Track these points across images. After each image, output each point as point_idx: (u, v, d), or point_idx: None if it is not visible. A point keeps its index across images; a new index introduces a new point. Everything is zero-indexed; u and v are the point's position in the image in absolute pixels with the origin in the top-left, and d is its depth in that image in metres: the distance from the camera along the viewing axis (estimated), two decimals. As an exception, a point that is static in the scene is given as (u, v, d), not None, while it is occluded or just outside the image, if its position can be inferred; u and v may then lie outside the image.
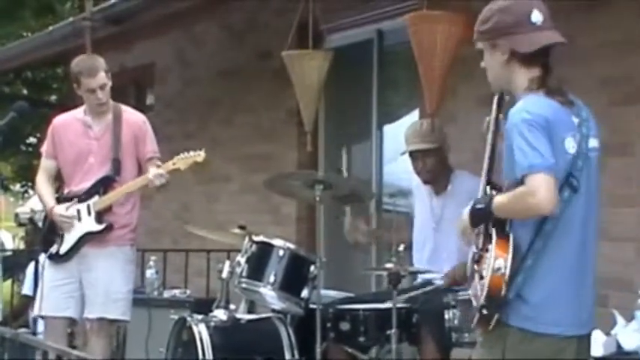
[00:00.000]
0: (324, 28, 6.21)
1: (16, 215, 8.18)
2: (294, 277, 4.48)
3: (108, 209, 4.81)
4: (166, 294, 6.31)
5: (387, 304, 4.32)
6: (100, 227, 4.80)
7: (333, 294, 4.90)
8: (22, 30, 13.58)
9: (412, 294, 4.50)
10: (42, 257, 5.06)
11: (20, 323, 6.72)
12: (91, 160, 4.86)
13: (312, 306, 4.44)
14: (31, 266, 6.72)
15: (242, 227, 4.75)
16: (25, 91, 14.56)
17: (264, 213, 7.25)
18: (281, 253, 4.51)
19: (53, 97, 14.17)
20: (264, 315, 4.72)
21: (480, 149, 5.57)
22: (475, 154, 5.44)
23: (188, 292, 6.40)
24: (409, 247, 4.80)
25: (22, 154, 14.36)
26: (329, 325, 4.44)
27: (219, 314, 4.52)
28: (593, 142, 2.92)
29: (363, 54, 6.68)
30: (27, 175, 13.74)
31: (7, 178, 16.41)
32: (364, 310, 4.46)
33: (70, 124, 4.94)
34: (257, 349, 4.54)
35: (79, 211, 4.82)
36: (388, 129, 6.61)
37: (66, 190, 4.95)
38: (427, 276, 4.70)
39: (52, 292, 4.82)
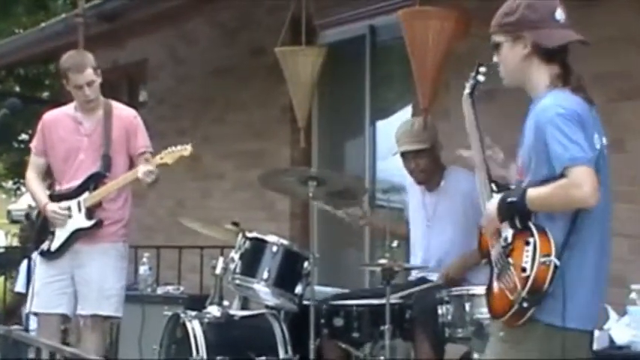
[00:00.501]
0: (317, 24, 6.21)
1: (9, 212, 8.17)
2: (288, 274, 4.48)
3: (98, 205, 4.80)
4: (160, 290, 6.31)
5: (381, 300, 4.32)
6: (90, 223, 4.79)
7: (327, 290, 4.90)
8: (14, 27, 13.54)
9: (406, 292, 4.50)
10: (35, 254, 5.06)
11: (13, 320, 6.71)
12: (82, 156, 4.85)
13: (305, 302, 4.44)
14: (24, 263, 6.71)
15: (235, 224, 4.74)
16: (17, 88, 14.54)
17: (258, 209, 7.25)
18: (274, 249, 4.51)
19: (45, 94, 14.14)
20: (257, 311, 4.72)
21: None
22: (468, 149, 5.48)
23: (182, 288, 6.40)
24: (404, 240, 4.80)
25: (14, 151, 14.33)
26: (323, 321, 4.44)
27: (213, 310, 4.52)
28: (604, 140, 2.96)
29: (356, 50, 6.68)
30: (19, 172, 13.72)
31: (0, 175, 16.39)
32: (358, 306, 4.46)
33: (60, 120, 4.93)
34: (251, 345, 4.54)
35: (69, 208, 4.81)
36: (381, 125, 6.61)
37: (57, 187, 4.94)
38: (421, 272, 4.71)
39: (44, 288, 4.82)
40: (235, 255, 4.54)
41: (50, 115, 5.01)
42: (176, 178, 8.43)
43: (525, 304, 2.80)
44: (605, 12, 4.75)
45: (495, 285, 2.93)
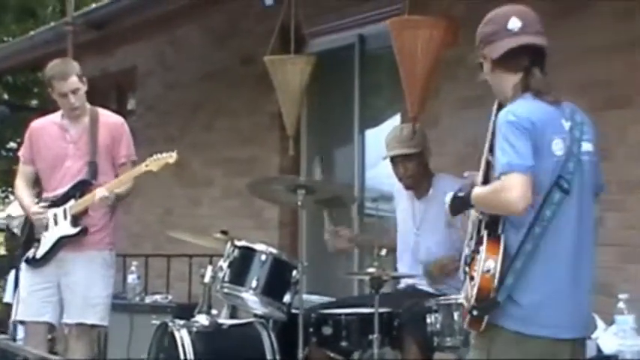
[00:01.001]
0: (306, 32, 6.22)
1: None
2: (277, 282, 4.47)
3: (84, 213, 4.79)
4: (148, 299, 6.28)
5: (369, 309, 4.32)
6: (76, 230, 4.78)
7: (316, 299, 4.89)
8: (3, 35, 13.52)
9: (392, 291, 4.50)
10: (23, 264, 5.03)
11: (0, 330, 6.68)
12: (68, 163, 4.85)
13: (294, 311, 4.43)
14: (12, 273, 6.68)
15: (224, 232, 4.73)
16: (5, 96, 14.50)
17: (247, 217, 7.25)
18: (263, 257, 4.50)
19: (34, 102, 14.11)
20: (246, 320, 4.71)
21: (462, 152, 5.62)
22: (458, 157, 5.51)
23: (170, 297, 6.38)
24: (393, 251, 4.80)
25: (2, 159, 14.28)
26: (311, 329, 4.43)
27: (202, 319, 4.50)
28: (587, 146, 2.97)
29: (345, 58, 6.69)
30: (7, 180, 13.66)
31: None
32: (346, 314, 4.45)
33: (46, 128, 4.93)
34: (239, 354, 4.53)
35: (55, 215, 4.80)
36: (370, 133, 6.62)
37: (44, 195, 4.93)
38: (410, 281, 4.71)
39: (30, 297, 4.80)
40: (224, 263, 4.53)
41: (37, 124, 5.01)
42: (164, 185, 8.44)
43: (475, 313, 2.85)
44: (589, 21, 4.77)
45: (462, 294, 3.00)
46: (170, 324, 4.50)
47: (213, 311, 4.65)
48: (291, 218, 6.95)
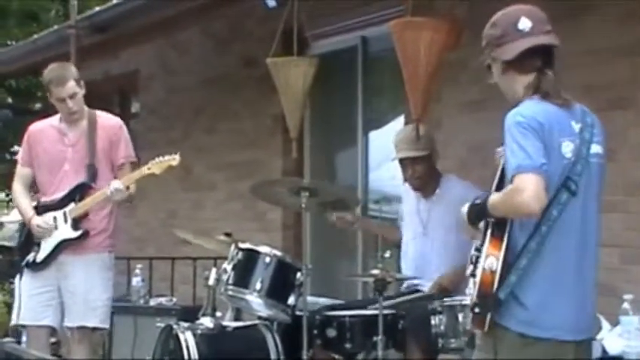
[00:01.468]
0: (309, 35, 6.22)
1: (1, 224, 8.14)
2: (281, 284, 4.48)
3: (84, 216, 4.79)
4: (152, 302, 6.29)
5: (374, 311, 4.32)
6: (77, 234, 4.78)
7: (320, 301, 4.90)
8: (6, 38, 13.53)
9: (399, 300, 4.50)
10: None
11: (4, 333, 6.69)
12: (66, 167, 4.85)
13: (298, 313, 4.44)
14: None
15: (228, 234, 4.74)
16: (9, 100, 14.51)
17: (250, 220, 7.25)
18: (267, 260, 4.50)
19: (37, 106, 14.11)
20: (250, 322, 4.71)
21: (464, 155, 5.62)
22: (460, 159, 5.51)
23: (174, 299, 6.38)
24: (397, 245, 4.80)
25: (5, 163, 14.28)
26: (315, 331, 4.43)
27: (206, 322, 4.51)
28: (596, 149, 2.96)
29: (347, 61, 6.70)
30: (10, 184, 13.67)
31: (-9, 187, 16.34)
32: (350, 316, 4.46)
33: (45, 131, 4.92)
34: (244, 356, 4.53)
35: (55, 219, 4.80)
36: (374, 135, 6.62)
37: (42, 198, 4.92)
38: (414, 282, 4.71)
39: (30, 300, 4.80)
40: (228, 266, 4.53)
41: (35, 127, 5.01)
42: (168, 189, 8.44)
43: (477, 310, 2.85)
44: (592, 23, 4.78)
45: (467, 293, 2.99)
46: (175, 326, 4.50)
47: (218, 314, 4.66)
48: (295, 220, 6.96)
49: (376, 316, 4.25)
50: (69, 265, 4.79)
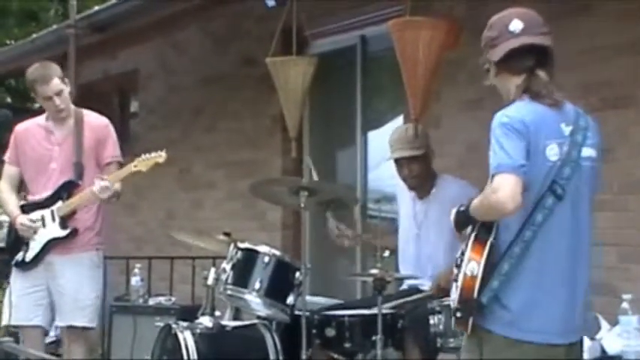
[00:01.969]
0: (308, 34, 6.22)
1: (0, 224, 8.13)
2: (280, 284, 4.48)
3: (72, 214, 4.78)
4: (151, 301, 6.29)
5: (373, 310, 4.32)
6: (65, 232, 4.77)
7: (319, 300, 4.90)
8: (5, 38, 13.54)
9: (399, 302, 4.50)
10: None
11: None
12: (53, 165, 4.84)
13: (297, 312, 4.44)
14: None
15: (227, 234, 4.74)
16: (8, 99, 14.52)
17: (249, 219, 7.25)
18: (266, 259, 4.50)
19: (37, 105, 14.12)
20: (249, 322, 4.71)
21: (463, 154, 5.62)
22: (458, 159, 5.51)
23: (173, 299, 6.38)
24: (395, 252, 4.80)
25: (3, 162, 14.29)
26: (314, 331, 4.43)
27: (205, 321, 4.51)
28: (588, 152, 2.94)
29: (347, 60, 6.69)
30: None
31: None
32: (349, 316, 4.45)
33: (31, 130, 4.90)
34: (243, 356, 4.53)
35: (43, 217, 4.79)
36: (373, 135, 6.62)
37: (30, 197, 4.92)
38: (413, 282, 4.71)
39: (20, 300, 4.79)
40: (227, 265, 4.53)
41: (22, 126, 5.01)
42: (167, 188, 8.45)
43: (459, 314, 2.86)
44: (591, 22, 4.78)
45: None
46: (174, 326, 4.50)
47: (217, 313, 4.65)
48: (294, 220, 6.96)
49: (375, 315, 4.25)
50: (57, 264, 4.78)
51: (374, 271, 4.35)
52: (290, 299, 4.47)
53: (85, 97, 8.59)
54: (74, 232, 4.78)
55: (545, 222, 2.84)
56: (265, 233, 6.96)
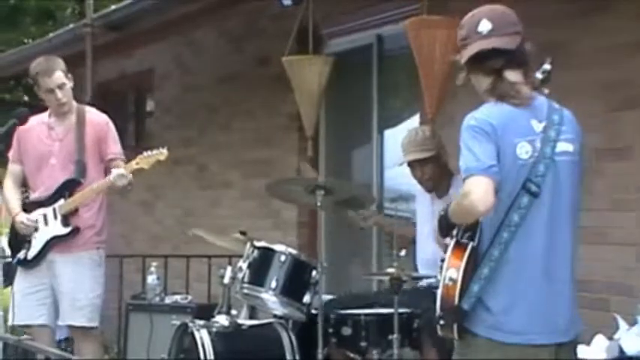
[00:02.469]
0: (324, 33, 6.22)
1: None
2: (296, 283, 4.48)
3: (74, 212, 4.78)
4: (168, 300, 6.31)
5: (389, 310, 4.32)
6: (67, 230, 4.78)
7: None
8: (22, 36, 13.60)
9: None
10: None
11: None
12: (53, 161, 4.84)
13: (313, 311, 4.44)
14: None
15: (243, 233, 4.74)
16: (25, 98, 14.58)
17: (265, 218, 7.26)
18: (282, 258, 4.50)
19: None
20: (266, 320, 4.72)
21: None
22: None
23: (189, 297, 6.40)
24: (412, 245, 4.79)
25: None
26: (331, 330, 4.43)
27: (221, 320, 4.52)
28: (564, 147, 2.89)
29: (363, 59, 6.69)
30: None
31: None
32: (366, 315, 4.46)
33: (33, 127, 4.88)
34: (259, 354, 4.54)
35: (45, 215, 4.80)
36: (389, 133, 6.61)
37: (32, 195, 4.93)
38: (430, 280, 4.70)
39: (24, 299, 4.80)
40: (243, 264, 4.53)
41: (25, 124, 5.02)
42: (183, 187, 8.47)
43: (442, 322, 2.85)
44: (608, 20, 4.75)
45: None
46: (190, 324, 4.51)
47: (233, 312, 4.66)
48: (309, 219, 6.96)
49: (391, 314, 4.25)
50: (58, 264, 4.79)
51: (390, 270, 4.34)
52: (306, 298, 4.47)
53: (101, 96, 8.64)
54: (76, 231, 4.78)
55: (522, 221, 2.82)
56: (280, 232, 6.96)
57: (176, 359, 4.62)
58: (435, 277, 4.58)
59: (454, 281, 2.80)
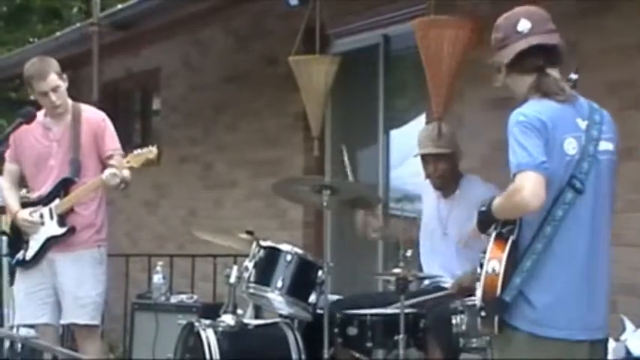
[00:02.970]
0: (331, 33, 6.21)
1: None
2: (302, 282, 4.48)
3: (70, 211, 4.76)
4: (173, 299, 6.30)
5: (395, 310, 4.31)
6: (63, 230, 4.76)
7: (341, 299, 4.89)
8: (29, 35, 13.61)
9: (420, 299, 4.49)
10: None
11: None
12: (52, 162, 4.82)
13: (319, 311, 4.44)
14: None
15: (249, 232, 4.74)
16: (32, 97, 14.58)
17: (271, 218, 7.25)
18: (289, 258, 4.51)
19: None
20: (271, 320, 4.72)
21: (486, 154, 5.60)
22: (481, 158, 5.48)
23: (195, 297, 6.40)
24: (416, 247, 4.79)
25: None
26: (336, 330, 4.43)
27: (227, 319, 4.52)
28: (606, 146, 2.94)
29: (369, 59, 6.68)
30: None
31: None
32: (372, 315, 4.45)
33: (30, 127, 4.81)
34: (265, 354, 4.54)
35: (42, 215, 4.78)
36: (395, 134, 6.60)
37: (31, 195, 4.91)
38: (435, 280, 4.70)
39: (27, 299, 4.80)
40: (249, 264, 4.54)
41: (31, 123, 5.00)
42: (189, 186, 8.47)
43: (484, 313, 2.86)
44: (618, 20, 4.74)
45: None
46: (196, 324, 4.51)
47: (239, 311, 4.66)
48: (315, 218, 6.95)
49: (397, 314, 4.24)
50: (59, 262, 4.78)
51: (396, 270, 4.34)
52: (312, 298, 4.47)
53: (107, 95, 8.66)
54: (72, 230, 4.76)
55: (566, 217, 2.85)
56: (286, 232, 6.96)
57: (182, 359, 4.62)
58: (441, 277, 4.65)
59: (497, 273, 2.81)
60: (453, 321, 4.18)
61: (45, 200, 4.79)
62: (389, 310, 4.43)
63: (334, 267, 4.71)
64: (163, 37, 8.56)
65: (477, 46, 4.91)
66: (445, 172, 4.69)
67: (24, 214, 4.77)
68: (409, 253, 4.47)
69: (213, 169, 8.22)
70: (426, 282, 4.80)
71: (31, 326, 4.81)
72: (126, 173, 4.70)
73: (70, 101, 4.88)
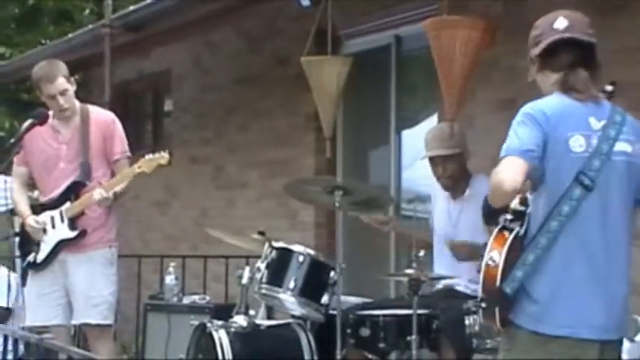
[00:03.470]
0: (343, 33, 6.21)
1: None
2: (314, 283, 4.48)
3: (81, 214, 4.78)
4: (186, 300, 6.32)
5: (408, 310, 4.31)
6: (74, 234, 4.77)
7: (353, 300, 4.89)
8: (41, 37, 13.65)
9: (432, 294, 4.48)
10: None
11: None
12: (62, 165, 4.83)
13: (332, 312, 4.44)
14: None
15: (261, 233, 4.75)
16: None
17: (283, 219, 7.26)
18: (301, 259, 4.51)
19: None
20: (284, 321, 4.72)
21: (496, 154, 5.58)
22: (492, 158, 5.45)
23: (207, 297, 6.41)
24: (428, 247, 4.79)
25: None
26: (349, 331, 4.43)
27: (239, 320, 4.53)
28: (623, 147, 2.93)
29: (381, 59, 6.68)
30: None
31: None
32: (384, 316, 4.45)
33: (39, 130, 4.80)
34: (277, 355, 4.54)
35: (52, 218, 4.79)
36: (407, 134, 6.60)
37: (41, 198, 4.93)
38: (448, 282, 4.69)
39: (39, 301, 4.81)
40: (262, 264, 4.54)
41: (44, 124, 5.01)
42: (200, 187, 8.48)
43: (484, 305, 2.86)
44: (624, 22, 4.73)
45: None
46: (208, 324, 4.52)
47: (251, 312, 4.67)
48: (327, 219, 6.95)
49: (410, 315, 4.24)
50: (70, 263, 4.79)
51: (409, 270, 4.33)
52: (324, 299, 4.47)
53: (119, 96, 8.68)
54: (83, 233, 4.78)
55: (573, 213, 2.84)
56: (298, 233, 6.96)
57: (194, 359, 4.63)
58: (453, 278, 4.64)
59: (495, 262, 2.82)
60: (466, 322, 4.17)
61: (56, 203, 4.81)
62: (401, 311, 4.43)
63: (346, 268, 4.71)
64: (175, 39, 8.58)
65: (490, 47, 4.91)
66: (454, 172, 4.68)
67: (30, 220, 4.80)
68: (422, 253, 4.46)
69: (224, 169, 8.23)
70: (440, 286, 4.79)
71: (43, 328, 4.82)
72: (118, 188, 4.72)
73: (77, 103, 4.89)
